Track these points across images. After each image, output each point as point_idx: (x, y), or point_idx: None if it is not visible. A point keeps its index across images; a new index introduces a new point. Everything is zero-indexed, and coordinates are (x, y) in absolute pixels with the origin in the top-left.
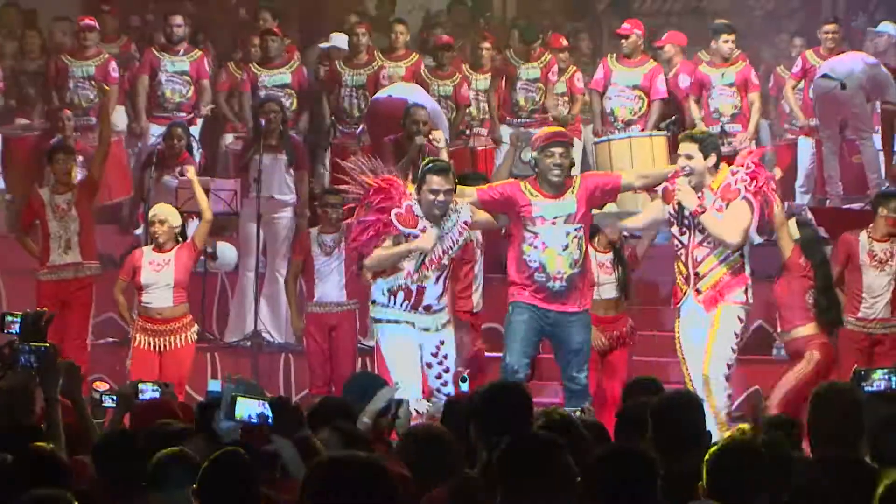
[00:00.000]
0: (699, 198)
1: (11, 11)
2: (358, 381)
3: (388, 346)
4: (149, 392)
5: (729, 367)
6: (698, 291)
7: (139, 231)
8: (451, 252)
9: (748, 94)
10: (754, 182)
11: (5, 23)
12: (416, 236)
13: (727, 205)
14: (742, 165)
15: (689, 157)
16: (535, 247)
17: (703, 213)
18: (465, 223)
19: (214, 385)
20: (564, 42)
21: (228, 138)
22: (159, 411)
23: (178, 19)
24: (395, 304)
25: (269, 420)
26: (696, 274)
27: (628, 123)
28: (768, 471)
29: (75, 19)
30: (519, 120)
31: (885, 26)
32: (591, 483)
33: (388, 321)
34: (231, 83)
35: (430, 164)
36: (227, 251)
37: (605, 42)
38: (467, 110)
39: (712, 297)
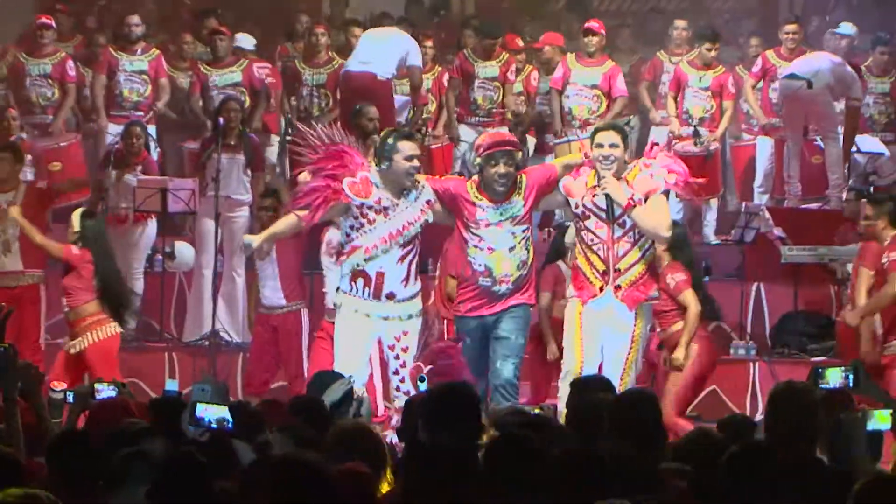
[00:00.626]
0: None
1: None
2: (320, 378)
3: (338, 334)
4: (105, 391)
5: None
6: (618, 287)
7: None
8: (412, 228)
9: (723, 101)
10: (676, 176)
11: None
12: (370, 207)
13: (646, 198)
14: (654, 158)
15: (614, 147)
16: (481, 249)
17: (634, 207)
18: (429, 202)
19: (172, 385)
20: (521, 43)
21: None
22: (115, 411)
23: (136, 19)
24: (357, 291)
25: (230, 425)
26: (617, 270)
27: (586, 123)
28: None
29: (32, 18)
30: (477, 119)
31: (846, 28)
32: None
33: (345, 308)
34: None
35: (394, 133)
36: (184, 251)
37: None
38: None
39: (634, 296)
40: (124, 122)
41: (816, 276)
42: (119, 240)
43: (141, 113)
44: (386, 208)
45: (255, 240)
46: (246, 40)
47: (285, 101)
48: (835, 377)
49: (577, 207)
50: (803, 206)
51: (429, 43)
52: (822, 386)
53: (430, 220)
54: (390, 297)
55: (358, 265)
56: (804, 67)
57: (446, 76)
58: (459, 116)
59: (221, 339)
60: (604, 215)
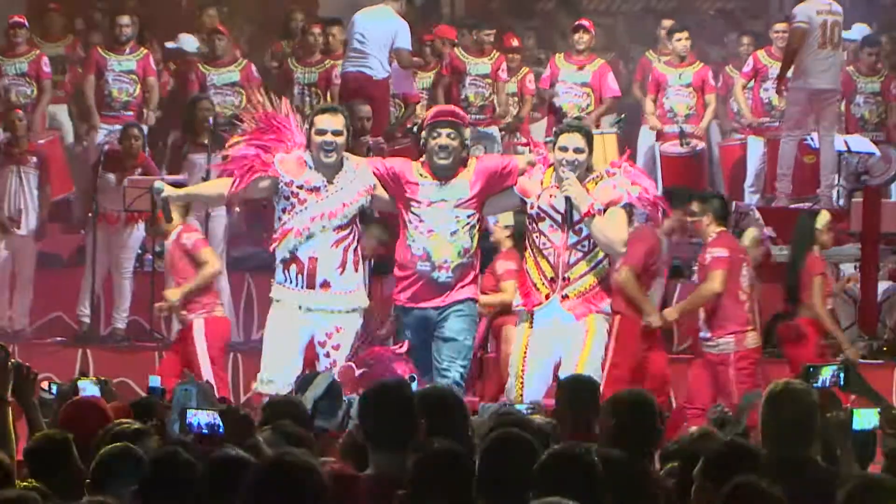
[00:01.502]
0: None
1: None
2: (306, 378)
3: (267, 326)
4: (89, 388)
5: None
6: (565, 297)
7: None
8: (346, 209)
9: (705, 96)
10: (639, 189)
11: None
12: (300, 186)
13: (605, 209)
14: (619, 167)
15: (579, 151)
16: (421, 232)
17: (594, 215)
18: (371, 187)
19: (154, 381)
20: (516, 42)
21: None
22: (87, 410)
23: (126, 19)
24: (290, 281)
25: (220, 430)
26: (566, 278)
27: (576, 120)
28: None
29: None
30: (469, 116)
31: (856, 31)
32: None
33: (278, 301)
34: (177, 81)
35: (316, 108)
36: None
37: (557, 41)
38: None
39: (582, 307)
40: (115, 122)
41: None
42: (108, 240)
43: (131, 113)
44: (317, 188)
45: (169, 190)
46: (188, 42)
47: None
48: (826, 376)
49: (531, 208)
50: (793, 206)
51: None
52: (814, 385)
53: (367, 205)
54: (325, 286)
55: (290, 251)
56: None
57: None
58: None
59: None
60: (559, 219)
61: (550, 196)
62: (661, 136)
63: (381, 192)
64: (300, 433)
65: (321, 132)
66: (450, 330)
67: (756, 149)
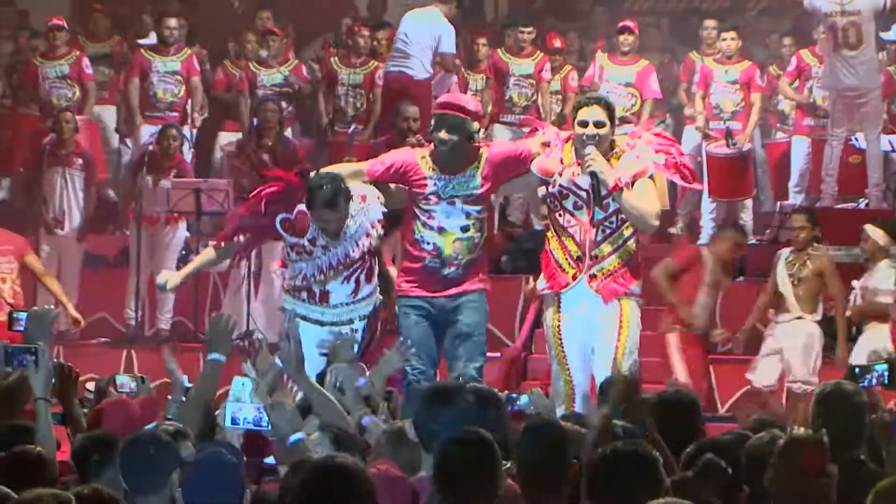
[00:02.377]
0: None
1: (9, 11)
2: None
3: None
4: (126, 385)
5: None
6: (593, 277)
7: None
8: (355, 255)
9: (751, 94)
10: (665, 156)
11: (3, 23)
12: (308, 242)
13: (633, 182)
14: (639, 137)
15: (600, 125)
16: (430, 227)
17: (621, 189)
18: (378, 221)
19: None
20: (559, 43)
21: (223, 138)
22: (119, 409)
23: (174, 21)
24: (304, 300)
25: (265, 425)
26: (594, 256)
27: (622, 121)
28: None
29: (66, 19)
30: (513, 116)
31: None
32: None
33: (297, 315)
34: (228, 82)
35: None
36: None
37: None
38: None
39: (611, 288)
40: (159, 123)
41: (851, 276)
42: (151, 241)
43: (175, 114)
44: (325, 245)
45: (171, 280)
46: (151, 37)
47: (321, 101)
48: (871, 375)
49: (553, 186)
50: (839, 206)
51: (482, 40)
52: (860, 384)
53: (377, 243)
54: (337, 306)
55: (303, 284)
56: None
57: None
58: (494, 115)
59: (256, 339)
60: (584, 196)
61: (573, 173)
62: (706, 136)
63: (392, 187)
64: (350, 435)
65: (318, 220)
66: (465, 325)
67: (801, 148)
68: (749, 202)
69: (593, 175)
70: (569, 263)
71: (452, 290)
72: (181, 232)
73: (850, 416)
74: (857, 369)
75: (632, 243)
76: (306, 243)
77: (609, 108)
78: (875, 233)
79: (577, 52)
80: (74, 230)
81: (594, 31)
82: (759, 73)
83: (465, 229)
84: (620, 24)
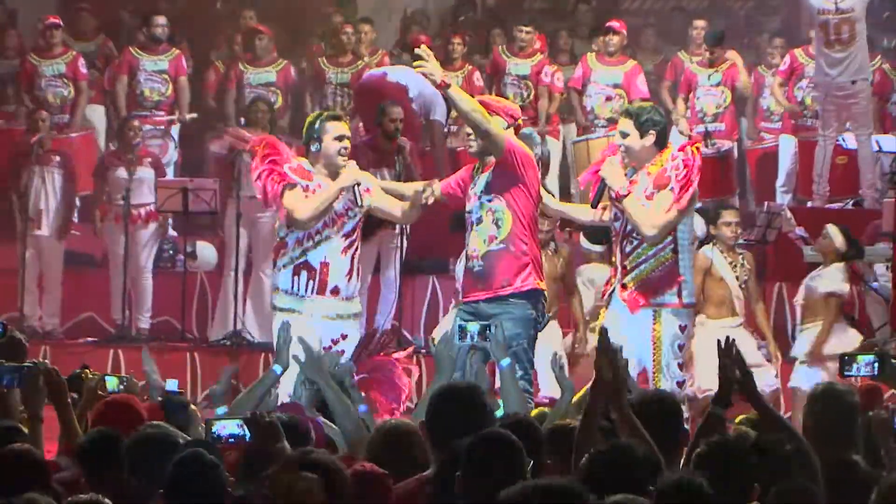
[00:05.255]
0: (632, 181)
1: None
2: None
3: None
4: (114, 384)
5: (680, 385)
6: (624, 287)
7: None
8: (350, 214)
9: (735, 84)
10: (685, 171)
11: None
12: (313, 189)
13: (654, 193)
14: (682, 150)
15: (624, 135)
16: (469, 226)
17: (625, 196)
18: (368, 189)
19: (171, 385)
20: (539, 44)
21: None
22: (122, 408)
23: (162, 20)
24: (299, 288)
25: (246, 438)
26: (624, 266)
27: (609, 121)
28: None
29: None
30: None
31: None
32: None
33: (284, 310)
34: (219, 81)
35: (321, 114)
36: (205, 251)
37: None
38: None
39: (635, 297)
40: (146, 122)
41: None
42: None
43: (162, 112)
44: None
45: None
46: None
47: (307, 100)
48: (861, 365)
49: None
50: (828, 206)
51: (457, 40)
52: (848, 374)
53: (369, 205)
54: (335, 292)
55: (301, 257)
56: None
57: (476, 74)
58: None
59: (244, 339)
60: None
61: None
62: (689, 138)
63: (378, 197)
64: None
65: (339, 138)
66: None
67: (788, 148)
68: (734, 201)
69: (602, 181)
70: (612, 272)
71: (483, 293)
72: (151, 229)
73: (842, 416)
74: (846, 357)
75: (667, 252)
76: (315, 188)
77: (634, 118)
78: (835, 235)
79: (569, 52)
80: (53, 229)
81: (583, 31)
82: (741, 64)
83: (479, 220)
84: (606, 24)
